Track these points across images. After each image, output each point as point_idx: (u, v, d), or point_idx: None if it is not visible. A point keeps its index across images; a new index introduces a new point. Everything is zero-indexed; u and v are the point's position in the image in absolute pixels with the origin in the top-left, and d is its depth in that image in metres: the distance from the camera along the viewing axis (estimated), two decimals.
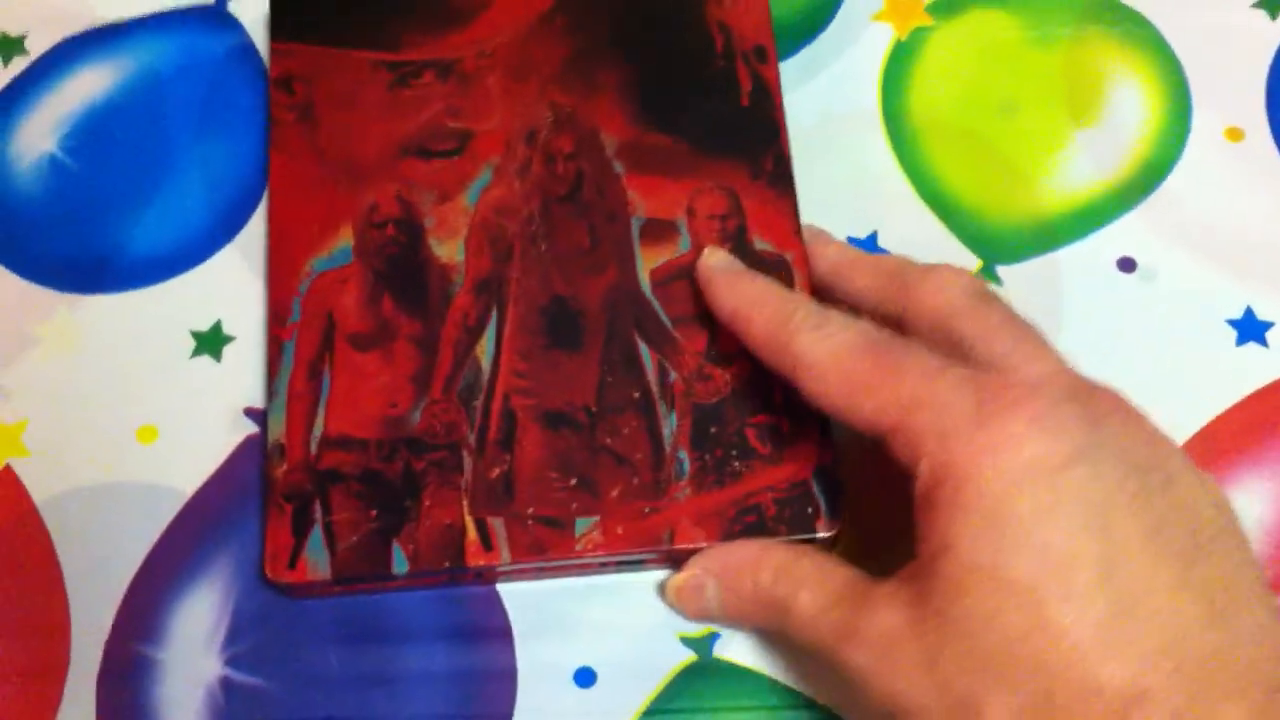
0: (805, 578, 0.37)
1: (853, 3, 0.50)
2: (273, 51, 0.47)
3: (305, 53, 0.47)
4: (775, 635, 0.39)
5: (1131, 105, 0.48)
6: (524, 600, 0.41)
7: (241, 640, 0.41)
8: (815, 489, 0.41)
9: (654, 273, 0.44)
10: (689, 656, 0.41)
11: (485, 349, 0.43)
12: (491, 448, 0.42)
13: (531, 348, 0.43)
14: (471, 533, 0.41)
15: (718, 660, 0.41)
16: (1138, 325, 0.45)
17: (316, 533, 0.41)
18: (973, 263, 0.45)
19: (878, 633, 0.34)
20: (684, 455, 0.41)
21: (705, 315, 0.42)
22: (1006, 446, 0.32)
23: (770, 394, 0.42)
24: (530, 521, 0.41)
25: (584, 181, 0.45)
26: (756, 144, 0.45)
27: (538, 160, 0.45)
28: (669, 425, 0.42)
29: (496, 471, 0.41)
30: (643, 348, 0.43)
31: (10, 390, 0.44)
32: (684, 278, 0.43)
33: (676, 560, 0.41)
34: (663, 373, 0.42)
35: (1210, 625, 0.31)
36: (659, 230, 0.44)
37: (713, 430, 0.41)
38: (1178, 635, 0.31)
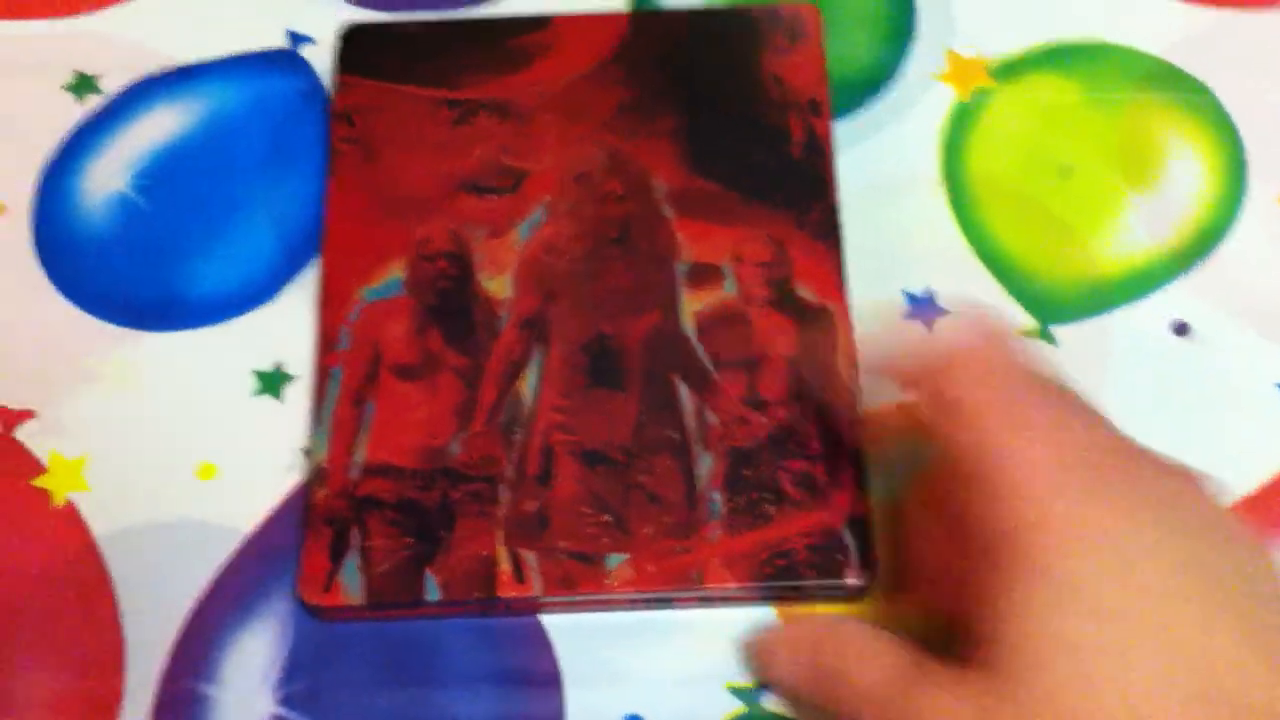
0: (867, 652, 0.37)
1: (915, 62, 0.50)
2: (338, 84, 0.49)
3: (369, 88, 0.48)
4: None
5: (1187, 171, 0.48)
6: (572, 641, 0.42)
7: (295, 680, 0.42)
8: (847, 537, 0.41)
9: (698, 315, 0.45)
10: (738, 708, 0.41)
11: (528, 384, 0.43)
12: (528, 482, 0.42)
13: (573, 385, 0.44)
14: (504, 564, 0.41)
15: (766, 713, 0.41)
16: (1189, 388, 0.45)
17: (352, 557, 0.41)
18: (1029, 323, 0.45)
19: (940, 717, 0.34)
20: (717, 496, 0.42)
21: (746, 360, 0.43)
22: (1081, 515, 0.33)
23: (807, 441, 0.42)
24: (562, 555, 0.41)
25: (633, 224, 0.46)
26: (805, 195, 0.46)
27: (588, 201, 0.46)
28: (704, 466, 0.42)
29: (532, 505, 0.42)
30: (682, 390, 0.43)
31: (71, 425, 0.45)
32: (727, 321, 0.44)
33: (706, 600, 0.41)
34: (701, 415, 0.43)
35: None
36: (704, 274, 0.45)
37: (747, 473, 0.42)
38: (1259, 710, 0.31)
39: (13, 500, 0.44)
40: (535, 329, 0.45)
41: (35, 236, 0.48)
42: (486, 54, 0.49)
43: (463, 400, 0.44)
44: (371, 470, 0.43)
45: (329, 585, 0.41)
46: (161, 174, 0.49)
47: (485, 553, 0.42)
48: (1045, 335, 0.45)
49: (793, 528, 0.41)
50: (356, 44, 0.50)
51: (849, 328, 0.44)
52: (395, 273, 0.45)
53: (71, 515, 0.44)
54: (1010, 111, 0.49)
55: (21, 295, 0.47)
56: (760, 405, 0.43)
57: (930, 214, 0.48)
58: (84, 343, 0.46)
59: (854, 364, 0.44)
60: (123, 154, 0.50)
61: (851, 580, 0.41)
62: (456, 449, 0.43)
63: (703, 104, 0.48)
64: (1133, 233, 0.47)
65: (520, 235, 0.46)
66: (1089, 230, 0.47)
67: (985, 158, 0.49)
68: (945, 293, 0.46)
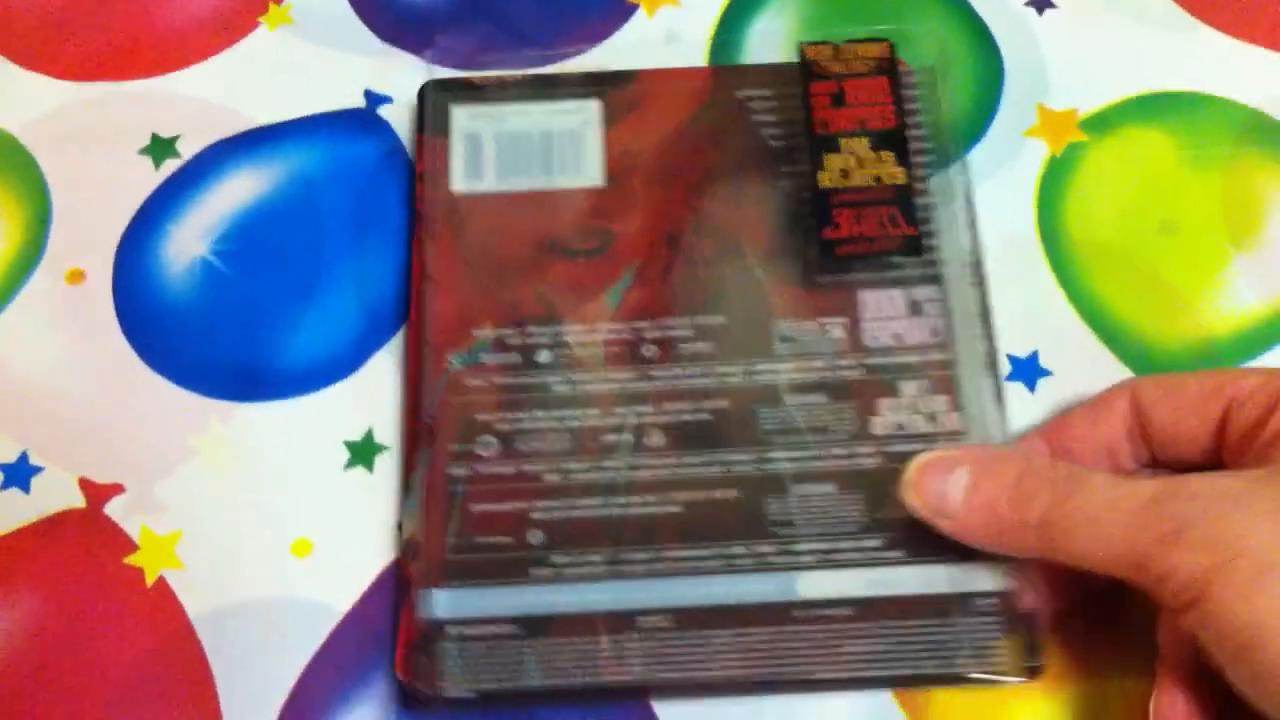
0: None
1: (1004, 118, 0.49)
2: (420, 145, 0.47)
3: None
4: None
5: None
6: None
7: None
8: None
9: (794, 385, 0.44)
10: None
11: (623, 457, 0.43)
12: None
13: (670, 457, 0.43)
14: (605, 643, 0.40)
15: None
16: None
17: (450, 638, 0.40)
18: None
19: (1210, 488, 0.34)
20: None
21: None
22: None
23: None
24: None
25: (726, 288, 0.45)
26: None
27: (679, 265, 0.45)
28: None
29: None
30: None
31: (165, 501, 0.44)
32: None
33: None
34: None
35: None
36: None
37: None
38: None
39: (105, 578, 0.43)
40: (631, 398, 0.44)
41: (116, 304, 0.47)
42: None
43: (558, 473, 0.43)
44: (467, 544, 0.42)
45: (428, 668, 0.40)
46: (243, 239, 0.48)
47: (587, 633, 0.40)
48: None
49: None
50: (436, 102, 0.48)
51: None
52: (484, 338, 0.44)
53: (165, 593, 0.43)
54: (1106, 167, 0.48)
55: (104, 365, 0.46)
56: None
57: (1031, 274, 0.47)
58: (170, 415, 0.45)
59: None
60: (203, 219, 0.49)
61: None
62: (552, 522, 0.42)
63: (790, 166, 0.47)
64: (1240, 292, 0.46)
65: (610, 300, 0.45)
66: (1195, 290, 0.46)
67: (1083, 214, 0.48)
68: (1050, 355, 0.45)
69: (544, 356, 0.44)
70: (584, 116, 0.48)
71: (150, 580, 0.43)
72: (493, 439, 0.43)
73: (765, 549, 0.41)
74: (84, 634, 0.42)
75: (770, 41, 0.51)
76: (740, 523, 0.42)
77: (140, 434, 0.45)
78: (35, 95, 0.51)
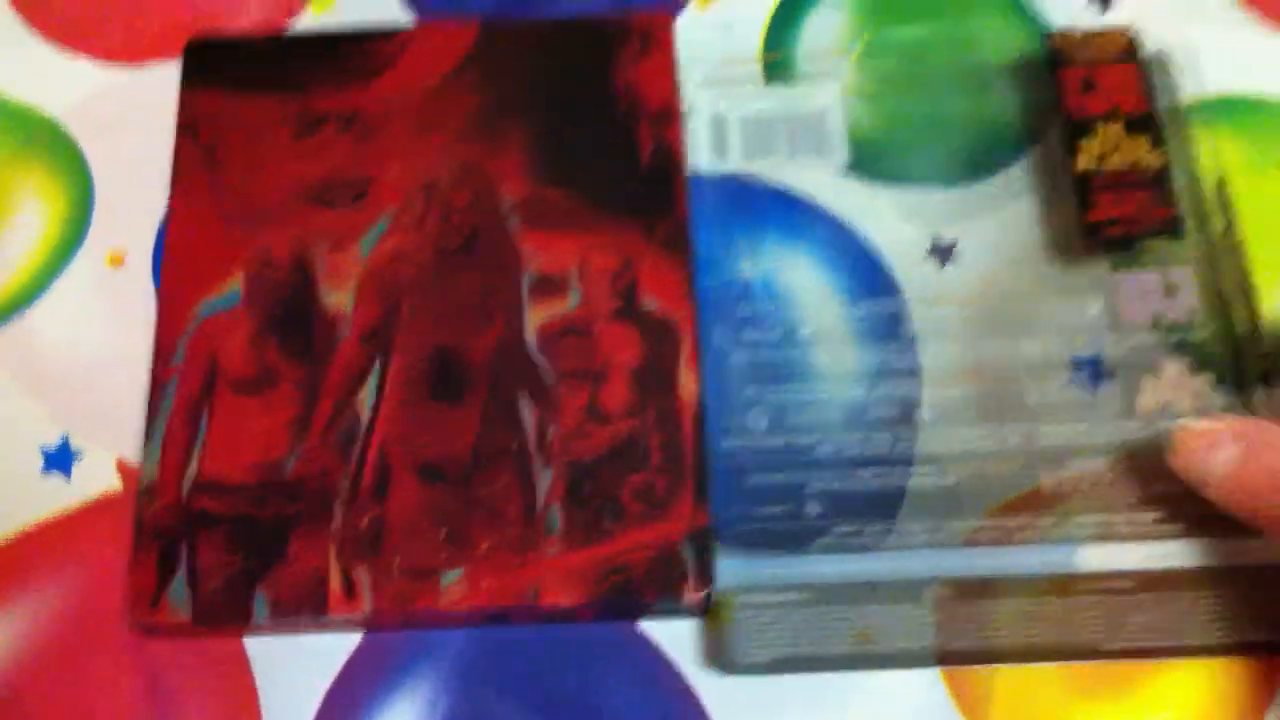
0: None
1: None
2: (182, 97, 0.47)
3: (214, 98, 0.47)
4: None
5: None
6: None
7: None
8: (686, 552, 0.40)
9: (541, 328, 0.44)
10: None
11: (366, 398, 0.43)
12: (363, 496, 0.41)
13: (412, 398, 0.43)
14: (335, 581, 0.40)
15: None
16: None
17: (180, 575, 0.40)
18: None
19: None
20: (556, 511, 0.41)
21: (588, 372, 0.43)
22: None
23: (648, 454, 0.41)
24: (397, 572, 0.40)
25: (478, 235, 0.45)
26: (653, 205, 0.45)
27: (434, 212, 0.45)
28: (544, 481, 0.41)
29: (366, 520, 0.41)
30: (523, 403, 0.42)
31: None
32: (571, 334, 0.43)
33: (542, 616, 0.40)
34: (542, 429, 0.42)
35: None
36: (549, 286, 0.45)
37: (587, 488, 0.41)
38: None
39: None
40: (377, 341, 0.44)
41: (158, 289, 0.46)
42: (334, 62, 0.48)
43: (299, 414, 0.43)
44: (204, 486, 0.42)
45: (156, 602, 0.40)
46: None
47: (317, 568, 0.40)
48: None
49: (631, 541, 0.40)
50: (201, 58, 0.48)
51: (693, 337, 0.43)
52: (234, 285, 0.44)
53: None
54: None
55: (146, 349, 0.45)
56: (602, 418, 0.42)
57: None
58: None
59: (697, 376, 0.43)
60: None
61: (690, 596, 0.40)
62: (292, 464, 0.42)
63: (552, 114, 0.47)
64: None
65: (364, 249, 0.45)
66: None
67: None
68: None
69: (290, 303, 0.44)
70: None
71: None
72: (235, 384, 0.43)
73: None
74: (124, 622, 0.41)
75: (826, 32, 0.50)
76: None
77: None
78: (77, 78, 0.50)
